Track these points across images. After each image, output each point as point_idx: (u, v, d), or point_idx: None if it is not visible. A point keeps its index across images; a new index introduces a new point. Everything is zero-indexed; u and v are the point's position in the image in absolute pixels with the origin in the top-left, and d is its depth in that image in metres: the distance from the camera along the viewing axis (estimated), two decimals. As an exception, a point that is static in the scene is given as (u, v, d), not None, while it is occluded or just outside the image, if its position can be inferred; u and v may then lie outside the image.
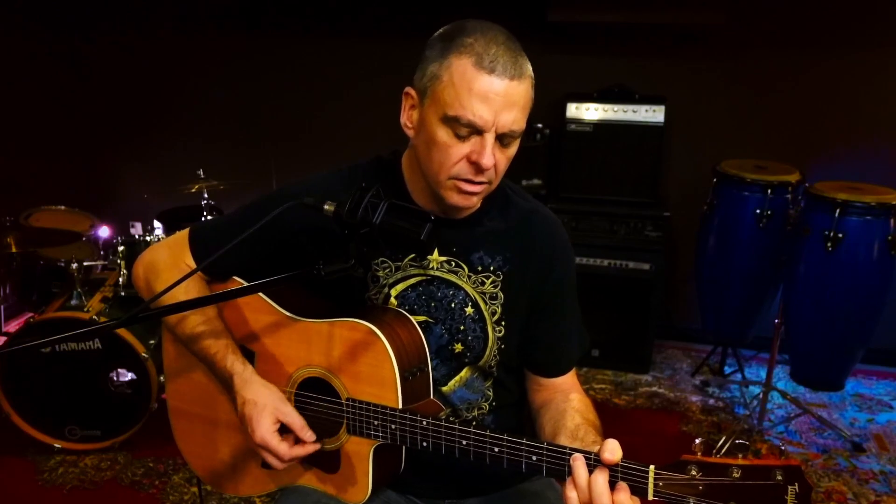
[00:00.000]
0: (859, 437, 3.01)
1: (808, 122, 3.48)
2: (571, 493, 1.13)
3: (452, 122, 1.24)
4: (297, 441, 1.35)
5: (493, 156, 1.26)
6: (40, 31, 4.10)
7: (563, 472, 1.16)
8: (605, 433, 1.23)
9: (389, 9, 3.77)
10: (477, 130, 1.24)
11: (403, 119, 1.34)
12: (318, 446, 1.36)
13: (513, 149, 1.31)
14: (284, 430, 1.35)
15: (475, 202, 1.34)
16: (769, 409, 3.16)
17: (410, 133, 1.34)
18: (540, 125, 3.53)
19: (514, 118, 1.25)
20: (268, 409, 1.33)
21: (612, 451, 1.11)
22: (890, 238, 2.74)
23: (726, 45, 3.48)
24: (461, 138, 1.25)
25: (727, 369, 3.55)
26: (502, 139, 1.27)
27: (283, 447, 1.32)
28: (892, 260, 2.76)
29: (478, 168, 1.27)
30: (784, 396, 3.21)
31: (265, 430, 1.32)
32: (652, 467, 1.09)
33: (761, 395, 3.10)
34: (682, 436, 3.03)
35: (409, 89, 1.32)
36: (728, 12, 3.38)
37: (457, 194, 1.31)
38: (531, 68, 1.27)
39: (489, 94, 1.22)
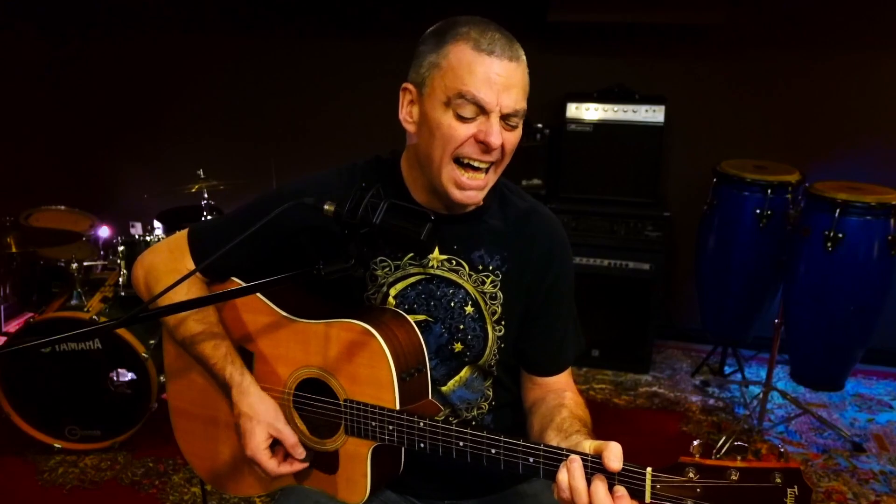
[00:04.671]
0: (859, 437, 3.01)
1: (808, 122, 3.47)
2: (562, 476, 1.12)
3: (458, 101, 1.25)
4: (288, 457, 1.39)
5: (501, 135, 1.27)
6: (40, 31, 4.10)
7: (560, 474, 1.15)
8: (605, 433, 1.20)
9: (389, 9, 3.77)
10: (482, 110, 1.25)
11: (403, 115, 1.34)
12: (306, 465, 1.40)
13: (517, 133, 1.31)
14: (279, 442, 1.38)
15: (477, 198, 1.33)
16: (769, 409, 3.16)
17: (411, 128, 1.34)
18: (540, 125, 3.52)
19: (515, 98, 1.26)
20: (262, 424, 1.36)
21: (618, 458, 1.09)
22: (890, 238, 2.73)
23: (726, 44, 3.47)
24: (466, 120, 1.26)
25: (727, 369, 3.55)
26: (507, 119, 1.28)
27: (272, 464, 1.36)
28: (892, 260, 2.76)
29: (485, 147, 1.27)
30: (784, 396, 3.20)
31: (256, 446, 1.36)
32: (649, 469, 1.08)
33: (761, 395, 3.10)
34: (682, 436, 3.03)
35: (406, 85, 1.33)
36: (728, 12, 3.37)
37: (457, 189, 1.30)
38: (525, 55, 1.29)
39: (490, 74, 1.24)
